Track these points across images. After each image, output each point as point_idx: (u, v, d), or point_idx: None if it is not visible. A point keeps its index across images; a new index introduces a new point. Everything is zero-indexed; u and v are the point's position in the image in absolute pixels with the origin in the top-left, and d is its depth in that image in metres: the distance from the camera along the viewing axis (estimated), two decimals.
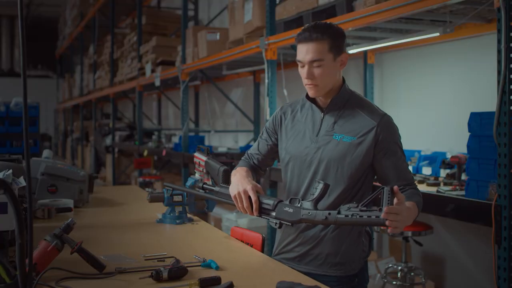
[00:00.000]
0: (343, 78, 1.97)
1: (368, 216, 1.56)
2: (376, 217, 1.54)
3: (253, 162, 2.15)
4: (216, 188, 2.07)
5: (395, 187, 1.56)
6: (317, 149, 1.91)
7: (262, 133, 2.14)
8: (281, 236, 2.06)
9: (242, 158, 2.21)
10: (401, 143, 1.92)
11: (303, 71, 1.88)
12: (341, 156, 1.87)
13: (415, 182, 1.95)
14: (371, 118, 1.87)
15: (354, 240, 1.93)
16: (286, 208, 1.76)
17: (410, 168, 3.81)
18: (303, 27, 1.92)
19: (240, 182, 1.89)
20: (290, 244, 2.00)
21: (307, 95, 1.97)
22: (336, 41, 1.86)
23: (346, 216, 1.60)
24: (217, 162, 2.28)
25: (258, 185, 1.88)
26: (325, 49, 1.84)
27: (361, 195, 1.91)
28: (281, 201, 1.81)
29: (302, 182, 1.96)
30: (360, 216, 1.57)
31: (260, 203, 1.83)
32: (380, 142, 1.85)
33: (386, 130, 1.86)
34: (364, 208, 1.58)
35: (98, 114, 12.33)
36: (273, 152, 2.10)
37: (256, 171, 2.14)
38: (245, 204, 1.84)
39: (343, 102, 1.93)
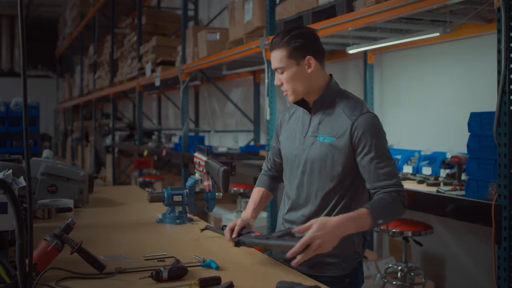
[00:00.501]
0: (331, 76, 1.98)
1: (282, 243, 1.70)
2: (288, 244, 1.66)
3: (270, 167, 2.21)
4: None
5: (292, 251, 1.63)
6: (303, 150, 1.95)
7: (273, 141, 2.21)
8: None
9: (263, 166, 2.27)
10: (381, 143, 1.86)
11: None
12: (323, 157, 1.89)
13: (400, 182, 1.87)
14: (348, 118, 1.87)
15: (345, 241, 1.93)
16: (252, 234, 1.89)
17: (410, 168, 3.82)
18: None
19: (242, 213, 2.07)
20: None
21: None
22: (296, 46, 1.88)
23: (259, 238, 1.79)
24: (217, 162, 2.29)
25: (250, 221, 1.99)
26: (284, 56, 1.88)
27: (352, 194, 1.92)
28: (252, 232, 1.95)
29: (293, 183, 2.00)
30: (277, 242, 1.72)
31: (240, 230, 1.93)
32: (355, 142, 1.85)
33: (361, 129, 1.84)
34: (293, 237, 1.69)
35: (98, 114, 12.32)
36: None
37: (276, 179, 2.22)
38: (228, 226, 1.96)
39: (327, 103, 1.94)
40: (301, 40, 1.88)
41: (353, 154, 1.86)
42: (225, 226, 2.12)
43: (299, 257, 1.62)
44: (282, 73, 1.90)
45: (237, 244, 1.88)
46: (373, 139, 1.83)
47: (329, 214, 1.90)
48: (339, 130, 1.87)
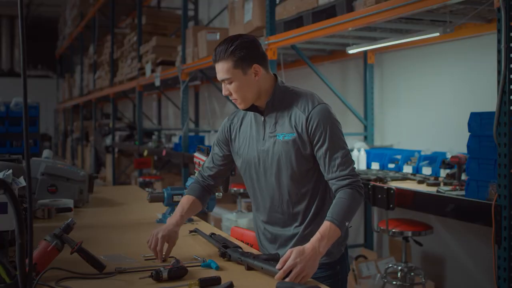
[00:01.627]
0: (275, 76, 2.00)
1: (267, 267, 1.70)
2: (272, 270, 1.67)
3: (207, 176, 2.17)
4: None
5: (277, 276, 1.63)
6: (266, 153, 1.96)
7: (214, 147, 2.17)
8: (259, 237, 2.12)
9: (195, 178, 2.24)
10: (335, 132, 1.88)
11: None
12: (287, 154, 1.91)
13: (356, 175, 1.88)
14: (302, 112, 1.90)
15: None
16: (239, 250, 1.89)
17: (410, 168, 3.82)
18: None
19: (164, 225, 1.99)
20: (272, 245, 2.05)
21: None
22: (241, 56, 1.87)
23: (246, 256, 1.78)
24: None
25: (175, 230, 1.96)
26: (230, 67, 1.88)
27: (325, 185, 1.94)
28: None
29: (262, 188, 2.01)
30: (262, 264, 1.72)
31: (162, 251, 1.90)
32: (311, 133, 1.88)
33: (316, 121, 1.87)
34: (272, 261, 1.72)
35: (98, 114, 12.33)
36: (227, 162, 2.14)
37: (208, 191, 2.18)
38: (153, 246, 1.90)
39: (278, 102, 1.96)
40: (245, 50, 1.88)
41: (311, 146, 1.90)
42: (214, 234, 2.12)
43: (286, 279, 1.64)
44: (230, 83, 1.90)
45: (223, 255, 1.89)
46: (326, 130, 1.87)
47: (308, 209, 1.94)
48: (296, 124, 1.90)
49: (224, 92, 1.93)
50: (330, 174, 1.87)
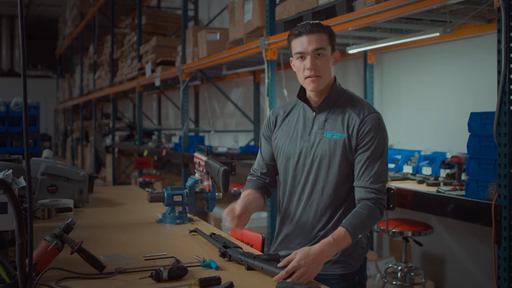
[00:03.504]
0: (334, 77, 2.01)
1: (267, 267, 1.67)
2: (273, 271, 1.65)
3: (258, 176, 2.15)
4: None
5: (278, 276, 1.60)
6: (311, 148, 1.95)
7: (261, 143, 2.16)
8: (278, 229, 2.10)
9: (248, 178, 2.21)
10: (382, 144, 1.88)
11: (303, 63, 1.91)
12: (332, 153, 1.91)
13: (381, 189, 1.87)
14: (357, 115, 1.91)
15: None
16: (240, 250, 1.86)
17: (410, 168, 3.82)
18: (297, 25, 1.95)
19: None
20: (289, 238, 2.03)
21: (299, 95, 2.01)
22: (331, 37, 1.94)
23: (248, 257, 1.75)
24: (217, 162, 2.29)
25: (237, 208, 1.93)
26: (326, 39, 1.91)
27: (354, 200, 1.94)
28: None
29: (298, 180, 1.99)
30: (262, 265, 1.69)
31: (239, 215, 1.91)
32: (360, 137, 1.88)
33: (368, 125, 1.88)
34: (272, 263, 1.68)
35: (98, 114, 12.33)
36: None
37: (264, 188, 2.13)
38: (227, 210, 1.92)
39: (334, 101, 1.97)
40: (334, 35, 1.96)
41: (355, 152, 1.89)
42: (214, 233, 2.12)
43: (288, 280, 1.63)
44: (321, 56, 1.90)
45: (223, 255, 1.88)
46: (375, 138, 1.87)
47: (335, 212, 1.93)
48: (348, 126, 1.90)
49: (311, 65, 1.88)
50: (360, 182, 1.87)
